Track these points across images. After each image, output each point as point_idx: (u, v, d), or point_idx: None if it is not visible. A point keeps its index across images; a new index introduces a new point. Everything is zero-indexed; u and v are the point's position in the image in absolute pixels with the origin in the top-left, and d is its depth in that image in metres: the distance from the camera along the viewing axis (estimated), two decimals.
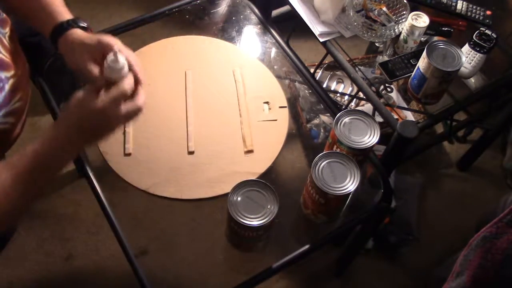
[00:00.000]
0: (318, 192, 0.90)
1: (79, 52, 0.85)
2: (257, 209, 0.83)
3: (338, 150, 0.96)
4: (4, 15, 0.86)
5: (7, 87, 0.82)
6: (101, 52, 0.83)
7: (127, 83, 0.79)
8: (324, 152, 0.93)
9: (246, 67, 1.18)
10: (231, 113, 1.11)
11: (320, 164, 0.91)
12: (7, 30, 0.87)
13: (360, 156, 0.97)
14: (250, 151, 1.05)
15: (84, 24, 0.88)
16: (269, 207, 0.83)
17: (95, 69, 0.83)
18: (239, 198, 0.82)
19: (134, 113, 0.80)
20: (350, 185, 0.89)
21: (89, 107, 0.76)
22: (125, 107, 0.78)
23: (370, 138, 0.95)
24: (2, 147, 0.89)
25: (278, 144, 1.07)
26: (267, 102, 1.13)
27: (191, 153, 1.05)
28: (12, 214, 0.76)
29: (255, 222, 0.81)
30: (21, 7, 0.90)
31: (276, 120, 1.11)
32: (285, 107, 1.13)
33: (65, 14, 0.89)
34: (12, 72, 0.84)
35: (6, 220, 0.76)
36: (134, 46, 1.21)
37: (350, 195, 0.91)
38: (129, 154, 1.03)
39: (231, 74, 1.16)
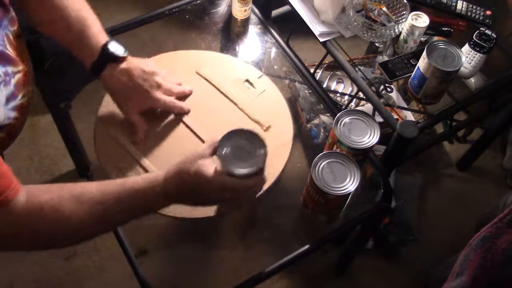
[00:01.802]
0: (318, 192, 0.90)
1: (125, 102, 0.98)
2: (247, 156, 0.81)
3: (338, 150, 0.96)
4: (13, 13, 0.87)
5: (13, 81, 0.83)
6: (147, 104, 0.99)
7: (254, 184, 0.82)
8: (324, 152, 0.93)
9: (207, 64, 1.16)
10: (226, 108, 1.10)
11: (320, 164, 0.91)
12: (15, 28, 0.87)
13: (360, 156, 0.97)
14: (269, 128, 1.06)
15: (118, 53, 0.94)
16: (258, 152, 0.81)
17: (141, 124, 0.99)
18: (228, 150, 0.81)
19: (235, 206, 0.88)
20: (350, 185, 0.89)
21: (207, 180, 0.78)
22: (231, 195, 0.81)
23: (370, 138, 0.95)
24: (4, 145, 0.89)
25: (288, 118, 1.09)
26: (247, 80, 1.13)
27: None
28: (81, 232, 0.77)
29: (248, 169, 0.80)
30: (60, 38, 0.96)
31: (264, 90, 1.12)
32: (261, 75, 1.14)
33: (100, 44, 0.93)
34: (19, 68, 0.85)
35: (74, 236, 0.78)
36: (134, 46, 1.20)
37: (350, 195, 0.91)
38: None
39: (196, 76, 1.14)
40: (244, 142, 0.82)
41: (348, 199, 0.93)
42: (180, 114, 1.06)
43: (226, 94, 1.11)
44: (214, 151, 0.82)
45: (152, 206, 0.81)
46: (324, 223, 1.01)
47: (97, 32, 0.94)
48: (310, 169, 0.90)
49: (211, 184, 0.78)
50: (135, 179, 0.79)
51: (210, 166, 0.80)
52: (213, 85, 1.12)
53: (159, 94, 1.00)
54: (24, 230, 0.73)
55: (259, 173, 0.83)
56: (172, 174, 0.80)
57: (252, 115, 1.08)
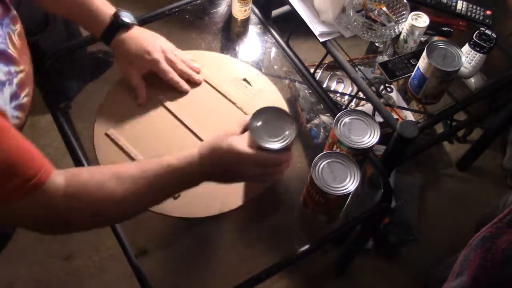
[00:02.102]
0: (318, 192, 0.90)
1: (127, 67, 1.04)
2: (278, 132, 0.85)
3: (338, 150, 0.96)
4: (15, 12, 0.87)
5: (15, 80, 0.83)
6: (147, 68, 1.04)
7: (285, 159, 0.85)
8: (324, 152, 0.93)
9: (204, 64, 1.15)
10: (225, 108, 1.10)
11: (320, 164, 0.91)
12: (17, 27, 0.87)
13: (360, 156, 0.97)
14: None
15: (124, 21, 1.01)
16: (287, 131, 0.86)
17: (140, 86, 1.05)
18: (259, 126, 0.86)
19: (268, 179, 0.88)
20: (350, 185, 0.89)
21: (240, 154, 0.81)
22: (264, 171, 0.84)
23: (370, 138, 0.95)
24: None
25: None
26: (244, 79, 1.13)
27: None
28: (123, 209, 0.79)
29: (278, 144, 0.84)
30: (65, 13, 1.05)
31: (262, 89, 1.12)
32: (259, 73, 1.15)
33: (108, 14, 1.00)
34: (21, 67, 0.85)
35: (117, 213, 0.79)
36: None
37: (350, 195, 0.91)
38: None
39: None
40: (275, 119, 0.86)
41: (348, 199, 0.93)
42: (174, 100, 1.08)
43: (224, 94, 1.11)
44: (244, 130, 0.85)
45: (189, 183, 0.83)
46: (324, 223, 1.01)
47: (103, 4, 1.01)
48: (310, 169, 0.90)
49: (245, 159, 0.81)
50: (171, 158, 0.81)
51: (242, 142, 0.82)
52: (210, 85, 1.12)
53: (160, 57, 1.03)
54: (68, 211, 0.74)
55: (288, 149, 0.87)
56: (207, 152, 0.82)
57: (250, 113, 1.08)
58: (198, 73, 1.12)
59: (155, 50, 1.03)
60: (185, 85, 1.08)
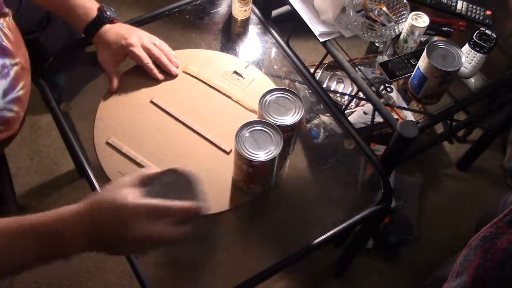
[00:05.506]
0: (245, 162, 0.89)
1: (105, 54, 1.07)
2: (286, 111, 0.92)
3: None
4: (6, 9, 0.88)
5: (12, 73, 0.83)
6: (123, 54, 1.07)
7: (178, 207, 0.68)
8: (246, 122, 0.91)
9: (193, 61, 1.16)
10: (222, 103, 1.10)
11: (243, 133, 0.90)
12: (9, 20, 0.88)
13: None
14: None
15: (109, 16, 1.06)
16: (296, 108, 0.92)
17: (113, 73, 1.07)
18: (269, 100, 0.92)
19: (165, 243, 0.69)
20: (274, 150, 0.88)
21: (132, 204, 0.65)
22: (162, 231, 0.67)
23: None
24: (5, 140, 0.89)
25: None
26: (235, 72, 1.14)
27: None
28: None
29: (288, 121, 0.90)
30: (49, 7, 1.08)
31: (254, 79, 1.13)
32: (248, 65, 1.15)
33: (93, 8, 1.05)
34: (16, 60, 0.86)
35: None
36: None
37: (276, 160, 0.91)
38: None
39: (185, 74, 1.14)
40: (284, 100, 0.93)
41: (275, 165, 0.93)
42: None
43: (218, 89, 1.12)
44: (142, 183, 0.69)
45: (59, 244, 0.64)
46: (259, 193, 1.00)
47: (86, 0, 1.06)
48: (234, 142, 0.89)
49: (136, 208, 0.65)
50: (38, 214, 0.64)
51: (136, 193, 0.66)
52: (203, 82, 1.13)
53: (135, 42, 1.06)
54: None
55: (296, 129, 0.93)
56: (89, 201, 0.66)
57: (248, 105, 1.09)
58: (176, 67, 1.12)
59: (132, 36, 1.06)
60: (158, 74, 1.10)
